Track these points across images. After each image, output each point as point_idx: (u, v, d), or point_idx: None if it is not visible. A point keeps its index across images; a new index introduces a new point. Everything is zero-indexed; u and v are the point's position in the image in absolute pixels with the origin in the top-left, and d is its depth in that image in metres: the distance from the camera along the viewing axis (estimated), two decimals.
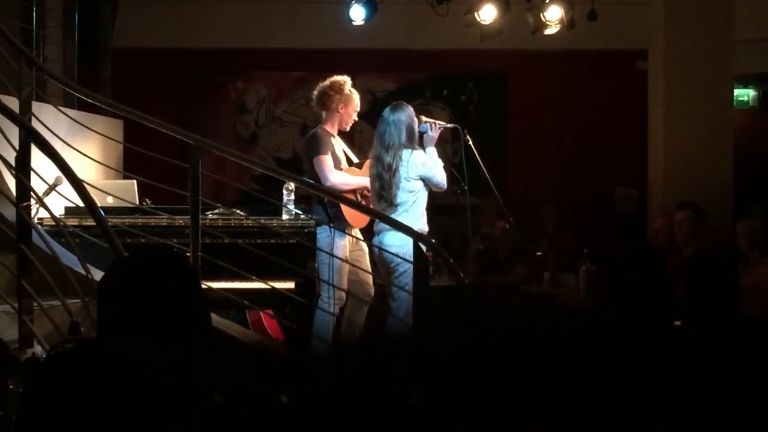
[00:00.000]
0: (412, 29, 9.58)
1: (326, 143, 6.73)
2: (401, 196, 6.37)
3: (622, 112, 9.95)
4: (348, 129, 6.97)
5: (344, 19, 8.31)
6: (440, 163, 6.55)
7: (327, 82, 6.82)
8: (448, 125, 6.85)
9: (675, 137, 8.13)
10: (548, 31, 8.25)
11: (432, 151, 6.56)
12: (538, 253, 8.58)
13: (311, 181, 6.35)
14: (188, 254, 5.04)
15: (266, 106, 10.53)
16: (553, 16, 8.15)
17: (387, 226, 6.25)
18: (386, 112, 6.49)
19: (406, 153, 6.38)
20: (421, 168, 6.40)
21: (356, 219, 6.59)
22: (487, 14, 8.12)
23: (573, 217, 9.94)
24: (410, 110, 6.51)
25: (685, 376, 3.66)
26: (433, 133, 6.60)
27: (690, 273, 4.17)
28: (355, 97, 6.84)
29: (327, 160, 6.62)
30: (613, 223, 9.55)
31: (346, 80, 6.81)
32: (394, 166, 6.34)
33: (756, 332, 4.44)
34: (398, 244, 6.11)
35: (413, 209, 6.40)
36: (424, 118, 6.72)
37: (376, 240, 6.42)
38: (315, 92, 6.85)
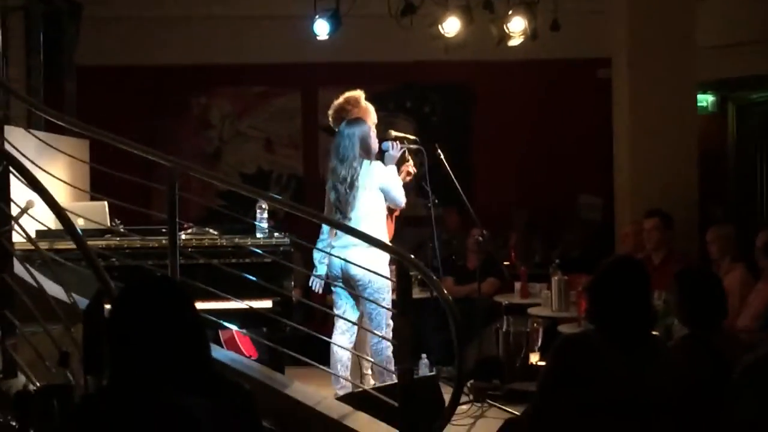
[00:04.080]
0: (376, 42, 9.54)
1: None
2: (363, 208, 6.23)
3: (585, 120, 10.02)
4: None
5: (308, 33, 8.25)
6: (400, 182, 6.42)
7: (340, 99, 6.65)
8: (411, 146, 6.65)
9: (641, 144, 8.22)
10: (512, 42, 8.27)
11: (392, 169, 6.44)
12: (505, 263, 8.61)
13: (282, 198, 6.27)
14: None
15: (230, 122, 10.48)
16: (517, 27, 8.16)
17: (351, 242, 6.04)
18: (342, 125, 6.38)
19: (365, 164, 6.26)
20: (380, 179, 6.28)
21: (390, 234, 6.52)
22: (451, 27, 8.11)
23: (538, 224, 10.00)
24: (366, 126, 6.37)
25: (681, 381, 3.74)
26: (394, 152, 6.51)
27: (680, 284, 4.28)
28: (372, 110, 6.66)
29: None
30: (579, 231, 9.64)
31: (360, 94, 6.65)
32: (349, 179, 6.21)
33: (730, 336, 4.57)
34: (366, 260, 5.86)
35: (376, 223, 6.23)
36: (393, 133, 6.69)
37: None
38: (330, 111, 6.69)
